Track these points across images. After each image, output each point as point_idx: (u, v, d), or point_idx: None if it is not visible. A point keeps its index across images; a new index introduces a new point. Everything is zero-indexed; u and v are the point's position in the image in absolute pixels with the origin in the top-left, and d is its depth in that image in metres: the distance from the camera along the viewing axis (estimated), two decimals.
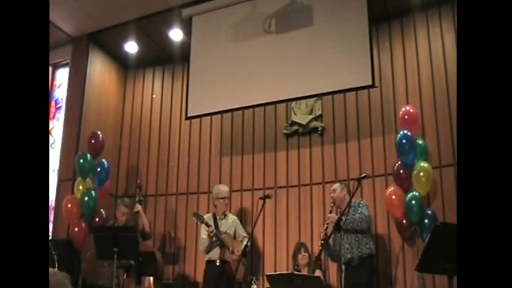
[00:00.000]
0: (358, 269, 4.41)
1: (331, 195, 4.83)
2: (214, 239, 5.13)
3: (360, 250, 4.49)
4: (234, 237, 5.33)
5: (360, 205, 4.64)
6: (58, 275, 1.82)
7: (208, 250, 5.21)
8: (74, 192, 5.80)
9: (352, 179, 5.29)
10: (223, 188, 5.53)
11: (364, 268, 4.46)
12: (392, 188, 5.06)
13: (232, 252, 5.13)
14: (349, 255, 4.47)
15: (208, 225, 5.13)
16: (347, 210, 4.18)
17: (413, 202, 4.87)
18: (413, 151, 5.03)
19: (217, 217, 5.37)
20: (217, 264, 5.11)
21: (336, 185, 4.89)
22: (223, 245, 5.13)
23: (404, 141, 5.04)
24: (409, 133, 5.04)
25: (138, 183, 5.89)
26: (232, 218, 5.47)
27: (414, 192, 4.91)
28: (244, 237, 5.33)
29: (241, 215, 5.93)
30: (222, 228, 5.28)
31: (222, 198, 5.41)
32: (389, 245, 5.22)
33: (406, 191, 4.99)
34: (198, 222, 5.32)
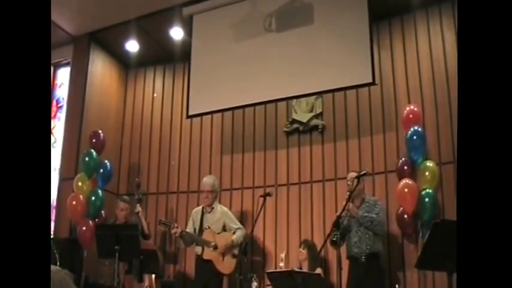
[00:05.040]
0: (366, 267, 4.35)
1: (349, 183, 4.56)
2: (181, 237, 5.07)
3: (368, 247, 4.40)
4: (225, 231, 5.19)
5: (377, 206, 4.54)
6: (61, 272, 1.83)
7: (192, 245, 5.18)
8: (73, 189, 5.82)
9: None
10: (206, 181, 5.31)
11: (372, 267, 4.38)
12: (404, 182, 4.99)
13: (215, 248, 4.98)
14: (356, 250, 4.42)
15: (172, 228, 5.06)
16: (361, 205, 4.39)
17: (427, 200, 4.87)
18: (422, 148, 5.05)
19: (204, 211, 5.25)
20: (202, 260, 5.04)
21: (354, 174, 4.49)
22: (202, 244, 5.04)
23: (414, 137, 5.05)
24: (419, 129, 5.04)
25: (136, 181, 5.84)
26: (220, 211, 5.26)
27: (428, 190, 4.91)
28: (238, 228, 5.16)
29: (242, 212, 5.95)
30: (206, 223, 5.15)
31: (202, 191, 5.29)
32: (390, 242, 5.22)
33: None
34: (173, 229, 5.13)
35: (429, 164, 5.01)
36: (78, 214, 5.68)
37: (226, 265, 5.00)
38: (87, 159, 5.87)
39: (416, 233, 5.02)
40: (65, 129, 6.45)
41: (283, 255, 5.05)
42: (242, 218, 5.88)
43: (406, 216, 4.98)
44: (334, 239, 3.92)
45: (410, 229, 5.02)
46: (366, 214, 4.44)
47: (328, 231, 4.41)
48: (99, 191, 5.85)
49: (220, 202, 5.72)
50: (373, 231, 4.44)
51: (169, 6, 5.93)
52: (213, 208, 5.26)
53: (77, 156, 6.10)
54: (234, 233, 5.15)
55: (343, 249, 4.50)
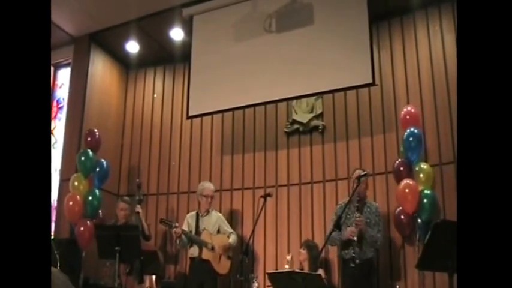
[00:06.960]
0: (356, 268, 4.40)
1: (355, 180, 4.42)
2: (184, 238, 5.13)
3: (364, 253, 4.50)
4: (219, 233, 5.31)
5: (378, 216, 4.65)
6: (59, 274, 1.84)
7: (189, 247, 5.23)
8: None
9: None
10: (208, 186, 5.51)
11: (364, 269, 4.47)
12: (405, 182, 4.96)
13: (212, 249, 5.09)
14: (347, 256, 4.46)
15: (173, 227, 5.11)
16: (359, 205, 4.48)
17: (425, 200, 4.88)
18: (418, 149, 5.05)
19: (200, 215, 5.36)
20: (198, 261, 5.09)
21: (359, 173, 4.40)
22: (200, 244, 5.10)
23: (411, 138, 5.04)
24: (416, 131, 5.04)
25: (137, 181, 5.85)
26: (215, 215, 5.43)
27: (426, 191, 4.91)
28: (231, 233, 5.33)
29: (243, 213, 5.96)
30: (202, 226, 5.24)
31: (205, 196, 5.39)
32: (390, 242, 5.22)
33: None
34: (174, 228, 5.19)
35: (423, 166, 5.01)
36: (76, 214, 5.66)
37: (222, 266, 5.12)
38: (83, 158, 5.84)
39: (413, 234, 5.01)
40: (66, 130, 6.45)
41: (289, 258, 5.04)
42: (242, 218, 5.89)
43: (402, 216, 4.99)
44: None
45: (408, 230, 5.02)
46: (372, 234, 4.52)
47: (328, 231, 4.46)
48: (96, 191, 5.84)
49: (220, 202, 5.75)
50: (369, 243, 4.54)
51: (170, 7, 5.93)
52: (208, 212, 5.40)
53: None
54: (228, 236, 5.29)
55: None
